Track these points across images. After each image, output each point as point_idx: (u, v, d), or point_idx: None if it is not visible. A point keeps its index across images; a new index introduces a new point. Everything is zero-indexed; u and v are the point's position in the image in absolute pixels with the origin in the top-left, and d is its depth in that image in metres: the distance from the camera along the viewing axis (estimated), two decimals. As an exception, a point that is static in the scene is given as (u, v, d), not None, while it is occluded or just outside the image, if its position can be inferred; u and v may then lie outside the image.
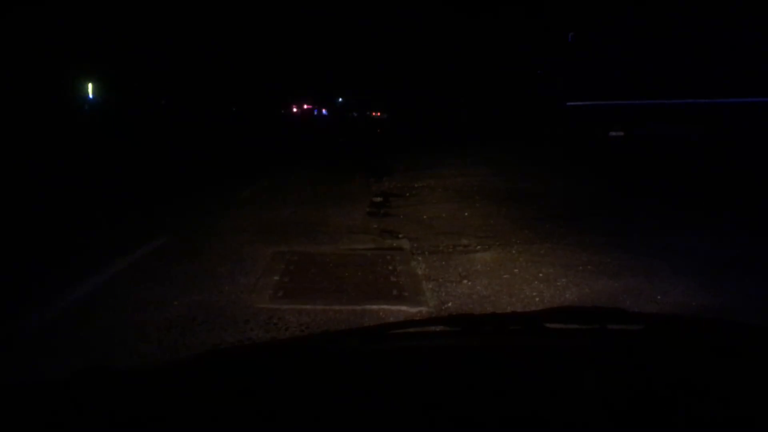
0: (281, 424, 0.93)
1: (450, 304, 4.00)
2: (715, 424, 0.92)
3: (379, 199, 8.79)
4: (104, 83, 25.59)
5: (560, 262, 4.89)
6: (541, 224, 6.43)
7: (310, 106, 61.66)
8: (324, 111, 63.85)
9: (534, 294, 4.16)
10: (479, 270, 4.76)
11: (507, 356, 1.20)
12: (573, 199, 8.33)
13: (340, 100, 67.29)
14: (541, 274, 4.59)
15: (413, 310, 3.85)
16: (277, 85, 47.29)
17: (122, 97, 26.35)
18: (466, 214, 7.30)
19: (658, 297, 4.06)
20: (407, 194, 9.25)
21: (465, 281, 4.47)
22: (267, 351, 1.39)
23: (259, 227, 6.41)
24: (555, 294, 4.16)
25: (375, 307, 3.89)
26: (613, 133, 13.66)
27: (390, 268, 4.80)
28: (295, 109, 57.87)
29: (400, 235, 6.15)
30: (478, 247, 5.52)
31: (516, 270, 4.74)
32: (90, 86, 24.96)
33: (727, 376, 1.07)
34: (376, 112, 58.67)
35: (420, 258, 5.17)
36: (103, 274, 4.57)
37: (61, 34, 21.35)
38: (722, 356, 1.16)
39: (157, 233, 5.92)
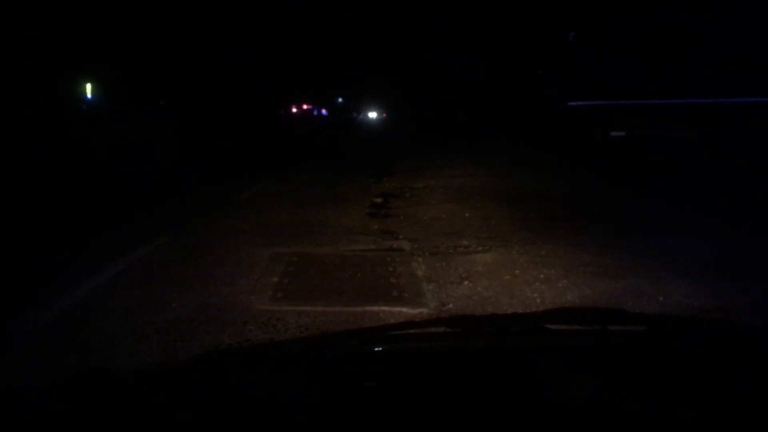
0: (280, 426, 0.93)
1: (450, 306, 3.98)
2: (716, 425, 0.91)
3: (379, 199, 8.77)
4: (103, 83, 25.58)
5: (561, 263, 4.88)
6: (542, 225, 6.42)
7: (309, 107, 61.64)
8: (324, 111, 63.83)
9: (535, 295, 4.15)
10: (480, 271, 4.74)
11: (508, 357, 1.20)
12: (574, 199, 8.32)
13: (340, 100, 67.32)
14: (542, 275, 4.57)
15: (413, 311, 3.84)
16: (277, 85, 47.33)
17: (121, 97, 26.33)
18: (466, 214, 7.29)
19: (660, 298, 4.04)
20: (407, 195, 9.23)
21: (465, 282, 4.45)
22: (266, 352, 1.38)
23: (258, 228, 6.40)
24: (556, 295, 4.14)
25: (375, 308, 3.87)
26: (614, 133, 13.64)
27: (390, 269, 4.79)
28: (294, 110, 57.85)
29: (401, 236, 6.14)
30: (479, 248, 5.51)
31: (517, 271, 4.72)
32: (88, 86, 24.94)
33: (729, 378, 1.07)
34: (377, 112, 58.78)
35: (420, 259, 5.16)
36: (102, 275, 4.55)
37: (59, 33, 21.36)
38: (724, 357, 1.16)
39: (155, 234, 5.90)
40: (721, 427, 0.91)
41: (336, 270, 4.72)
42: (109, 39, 24.31)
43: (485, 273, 4.69)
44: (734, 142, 10.91)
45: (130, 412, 0.97)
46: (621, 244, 5.48)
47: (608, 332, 1.29)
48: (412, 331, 1.35)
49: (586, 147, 14.21)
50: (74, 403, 1.00)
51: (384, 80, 49.10)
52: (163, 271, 4.71)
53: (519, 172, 11.50)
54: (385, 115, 54.00)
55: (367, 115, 53.52)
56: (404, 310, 3.86)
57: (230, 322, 3.64)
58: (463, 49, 28.39)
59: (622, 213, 7.25)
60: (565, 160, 13.03)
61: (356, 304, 3.95)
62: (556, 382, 1.06)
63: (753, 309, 3.80)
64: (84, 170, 11.73)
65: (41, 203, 7.96)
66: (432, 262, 5.05)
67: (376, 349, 1.26)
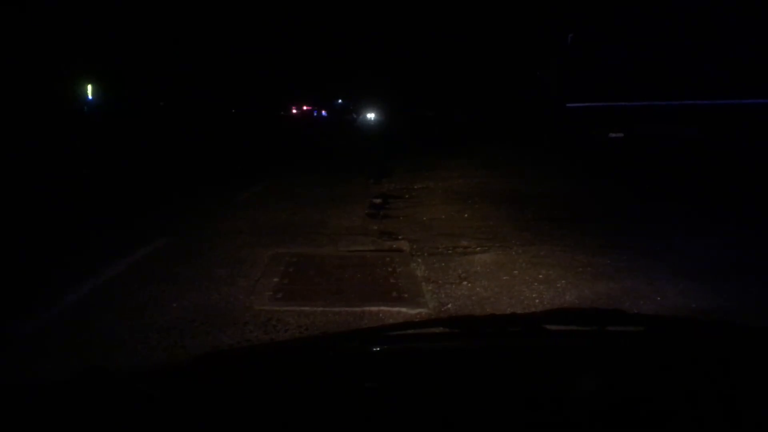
0: (280, 426, 0.93)
1: (449, 306, 3.99)
2: (716, 425, 0.92)
3: (378, 200, 8.77)
4: (103, 84, 25.57)
5: (560, 264, 4.88)
6: (541, 226, 6.42)
7: (309, 108, 61.69)
8: (323, 112, 63.85)
9: (534, 295, 4.16)
10: (479, 271, 4.75)
11: (507, 358, 1.20)
12: (573, 200, 8.32)
13: (340, 101, 67.29)
14: (540, 276, 4.58)
15: (413, 311, 3.85)
16: (277, 86, 47.33)
17: (121, 98, 26.33)
18: (465, 215, 7.29)
19: (658, 299, 4.05)
20: (406, 195, 9.24)
21: (464, 283, 4.46)
22: (266, 353, 1.38)
23: (257, 229, 6.40)
24: (555, 295, 4.15)
25: (374, 308, 3.88)
26: (613, 135, 13.65)
27: (389, 269, 4.80)
28: (294, 111, 57.87)
29: (400, 237, 6.14)
30: (478, 248, 5.51)
31: (515, 271, 4.73)
32: (89, 87, 24.93)
33: (727, 378, 1.07)
34: (376, 113, 58.79)
35: (419, 259, 5.16)
36: (102, 276, 4.56)
37: (60, 34, 21.35)
38: (722, 358, 1.16)
39: (155, 235, 5.90)
40: (720, 427, 0.91)
41: (336, 270, 4.72)
42: (109, 40, 24.30)
43: (484, 273, 4.69)
44: (733, 143, 10.92)
45: (131, 412, 0.97)
46: (619, 244, 5.48)
47: (607, 333, 1.29)
48: (411, 331, 1.36)
49: (585, 148, 14.22)
50: (74, 403, 1.00)
51: (383, 81, 49.07)
52: (163, 271, 4.71)
53: (517, 173, 11.49)
54: (384, 116, 53.92)
55: (366, 116, 53.45)
56: (403, 310, 3.86)
57: (230, 322, 3.64)
58: (461, 50, 28.37)
59: (620, 214, 7.26)
60: (564, 162, 13.04)
61: (356, 304, 3.95)
62: (555, 382, 1.07)
63: (752, 309, 3.81)
64: (84, 170, 11.72)
65: (42, 203, 7.96)
66: (431, 262, 5.06)
67: (376, 349, 1.26)
